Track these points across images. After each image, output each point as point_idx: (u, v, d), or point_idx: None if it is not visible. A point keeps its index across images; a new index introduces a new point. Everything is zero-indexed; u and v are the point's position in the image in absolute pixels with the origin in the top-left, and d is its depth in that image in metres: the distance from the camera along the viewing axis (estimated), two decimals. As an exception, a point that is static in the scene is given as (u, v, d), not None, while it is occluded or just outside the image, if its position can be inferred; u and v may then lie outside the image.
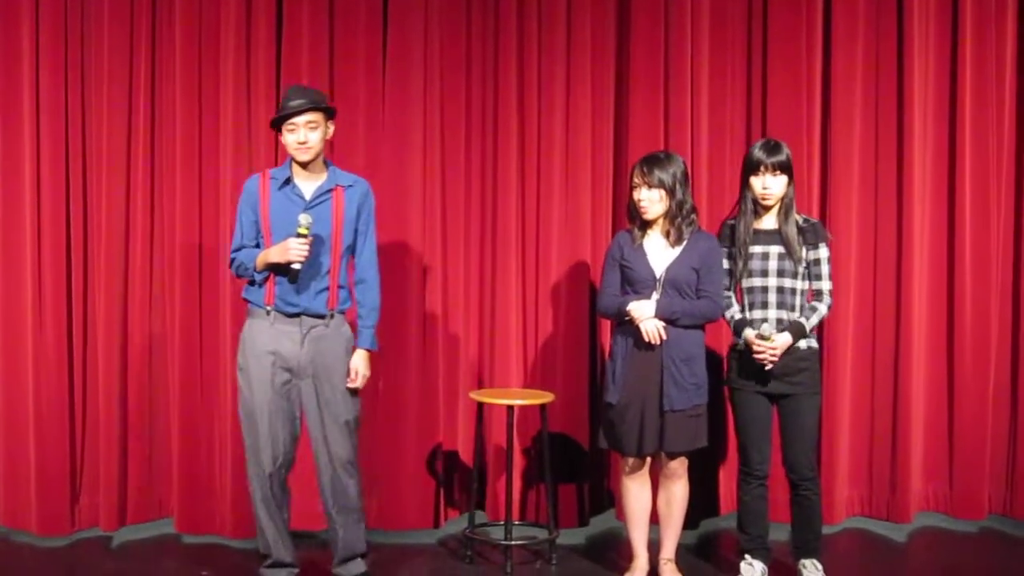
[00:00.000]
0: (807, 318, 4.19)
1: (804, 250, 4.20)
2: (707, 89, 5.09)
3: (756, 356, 4.13)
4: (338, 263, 4.17)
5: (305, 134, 4.06)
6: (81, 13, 4.95)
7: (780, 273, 4.18)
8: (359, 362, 4.22)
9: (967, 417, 5.13)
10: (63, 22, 4.92)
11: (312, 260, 4.09)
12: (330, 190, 4.17)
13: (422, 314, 5.06)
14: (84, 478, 5.04)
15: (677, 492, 4.34)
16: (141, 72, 4.97)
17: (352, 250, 4.23)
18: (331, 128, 4.19)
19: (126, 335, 5.02)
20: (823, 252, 4.22)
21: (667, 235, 4.18)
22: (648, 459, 4.30)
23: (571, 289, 5.11)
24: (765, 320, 4.16)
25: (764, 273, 4.19)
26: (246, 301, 4.23)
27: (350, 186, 4.20)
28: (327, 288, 4.15)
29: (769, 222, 4.25)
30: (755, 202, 4.20)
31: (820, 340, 5.06)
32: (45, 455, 4.93)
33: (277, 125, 4.14)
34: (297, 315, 4.12)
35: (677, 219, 4.15)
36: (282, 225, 4.11)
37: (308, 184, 4.17)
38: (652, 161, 4.16)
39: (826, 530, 5.03)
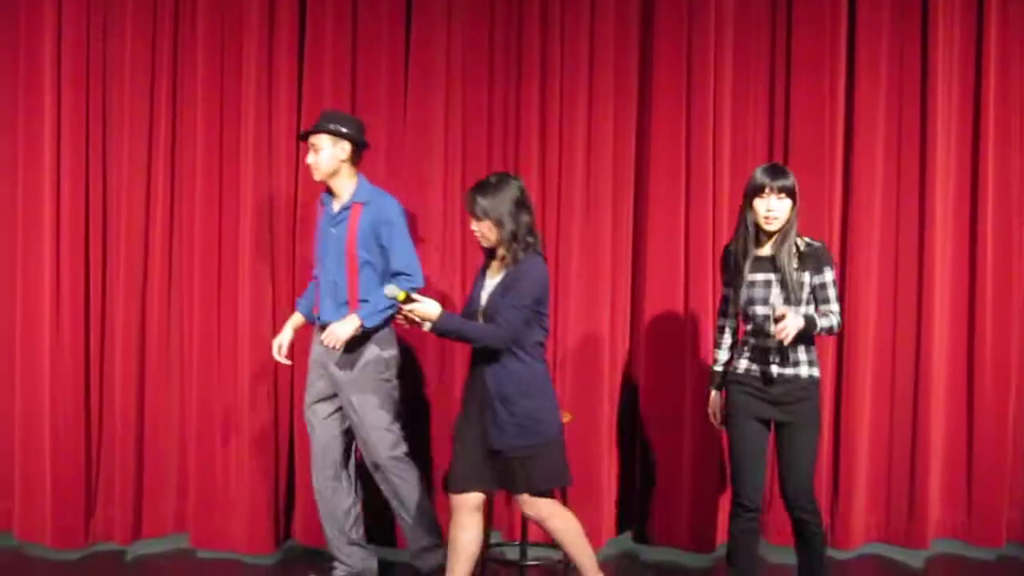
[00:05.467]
0: (819, 316, 3.98)
1: (808, 275, 4.03)
2: (729, 112, 5.08)
3: (773, 334, 3.88)
4: (354, 278, 4.36)
5: (312, 156, 4.40)
6: (104, 21, 5.01)
7: (784, 301, 4.01)
8: (338, 324, 4.35)
9: (986, 444, 5.10)
10: (85, 30, 4.98)
11: (331, 275, 4.38)
12: (348, 207, 4.38)
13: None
14: (99, 491, 5.06)
15: (553, 530, 4.08)
16: (164, 80, 5.03)
17: (371, 265, 4.39)
18: (343, 149, 4.39)
19: (144, 347, 5.05)
20: (828, 275, 4.04)
21: (503, 261, 4.01)
22: (477, 496, 4.05)
23: (590, 306, 5.10)
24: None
25: (766, 301, 4.03)
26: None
27: (367, 203, 4.39)
28: (346, 303, 4.34)
29: (768, 249, 4.08)
30: (756, 227, 4.06)
31: (839, 368, 5.10)
32: (61, 467, 4.95)
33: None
34: (323, 326, 4.43)
35: (512, 245, 3.93)
36: (321, 240, 4.49)
37: (336, 202, 4.46)
38: (474, 191, 3.96)
39: (842, 555, 5.06)
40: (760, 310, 4.03)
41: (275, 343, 4.57)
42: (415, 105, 5.10)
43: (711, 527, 5.06)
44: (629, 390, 5.20)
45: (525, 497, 4.00)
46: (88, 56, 5.00)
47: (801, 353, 4.05)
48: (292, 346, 4.60)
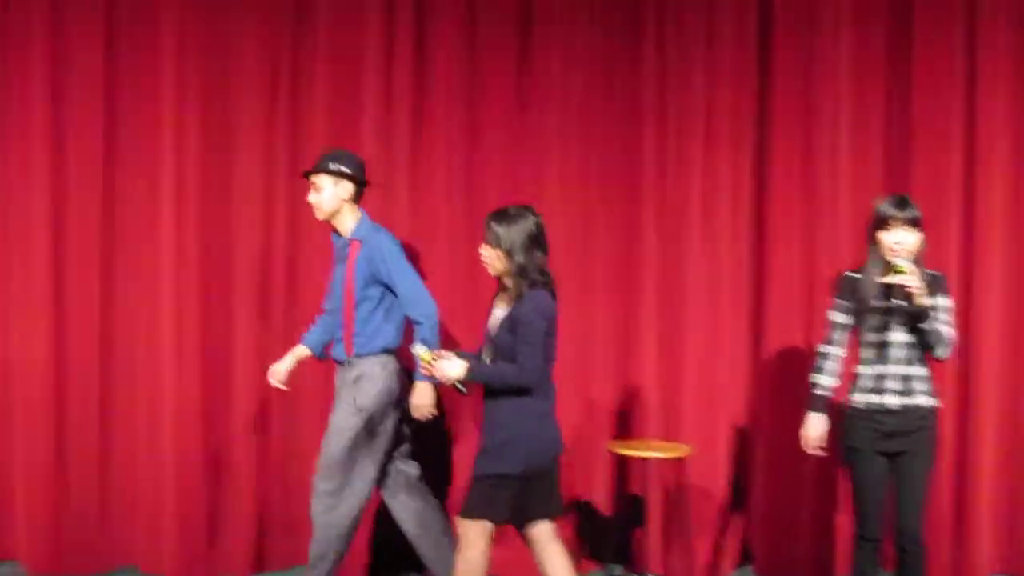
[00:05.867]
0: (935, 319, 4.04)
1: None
2: (847, 143, 5.07)
3: (902, 287, 3.94)
4: (351, 313, 4.38)
5: (313, 195, 4.43)
6: (226, 40, 5.01)
7: (904, 327, 4.06)
8: (415, 396, 4.38)
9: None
10: (207, 50, 4.98)
11: (336, 310, 4.45)
12: (348, 244, 4.43)
13: (558, 363, 5.02)
14: (221, 523, 5.04)
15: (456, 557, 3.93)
16: (282, 100, 5.04)
17: (369, 300, 4.39)
18: (344, 189, 4.40)
19: (264, 380, 5.03)
20: (942, 301, 4.08)
21: (508, 293, 3.90)
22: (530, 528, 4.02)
23: (709, 338, 5.11)
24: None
25: (888, 327, 4.06)
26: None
27: (363, 240, 4.41)
28: (342, 338, 4.41)
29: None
30: (884, 259, 4.05)
31: (963, 398, 5.06)
32: (184, 499, 4.94)
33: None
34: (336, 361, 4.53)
35: (519, 280, 3.83)
36: (332, 276, 4.51)
37: (340, 239, 4.48)
38: (491, 216, 3.89)
39: (966, 588, 5.02)
40: (884, 337, 4.05)
41: (271, 368, 4.57)
42: (532, 137, 5.13)
43: (831, 558, 5.03)
44: (749, 421, 5.18)
45: (458, 518, 3.90)
46: (208, 76, 5.00)
47: (919, 383, 4.07)
48: (288, 373, 4.58)
